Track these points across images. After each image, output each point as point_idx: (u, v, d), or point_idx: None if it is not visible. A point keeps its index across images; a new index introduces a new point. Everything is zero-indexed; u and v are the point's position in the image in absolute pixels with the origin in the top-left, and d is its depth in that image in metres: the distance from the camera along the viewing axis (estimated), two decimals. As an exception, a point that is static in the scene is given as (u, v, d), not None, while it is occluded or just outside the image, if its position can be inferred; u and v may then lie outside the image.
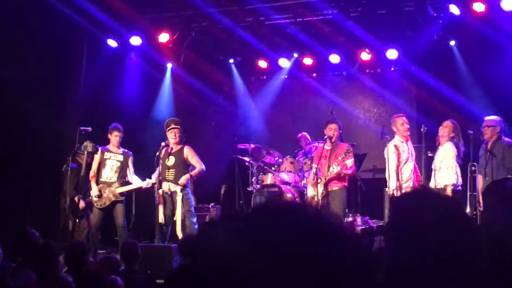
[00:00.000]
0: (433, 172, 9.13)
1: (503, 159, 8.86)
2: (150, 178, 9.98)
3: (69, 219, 9.96)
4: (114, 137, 10.09)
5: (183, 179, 9.75)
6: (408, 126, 9.50)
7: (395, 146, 9.29)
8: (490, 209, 2.27)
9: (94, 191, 9.89)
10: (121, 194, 10.00)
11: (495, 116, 9.24)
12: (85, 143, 9.82)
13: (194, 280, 1.32)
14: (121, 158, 10.14)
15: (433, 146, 9.37)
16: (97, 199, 9.86)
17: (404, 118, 9.63)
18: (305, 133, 12.62)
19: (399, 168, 9.23)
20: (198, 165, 9.99)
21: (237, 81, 14.20)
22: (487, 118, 9.24)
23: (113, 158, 10.09)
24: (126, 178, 10.16)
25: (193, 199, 10.25)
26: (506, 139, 9.08)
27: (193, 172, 9.98)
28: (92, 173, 9.98)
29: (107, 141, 10.15)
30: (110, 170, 10.05)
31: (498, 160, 8.86)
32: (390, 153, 9.33)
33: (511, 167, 8.72)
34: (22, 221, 10.23)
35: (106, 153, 10.09)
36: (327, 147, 9.85)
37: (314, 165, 9.89)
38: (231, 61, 13.52)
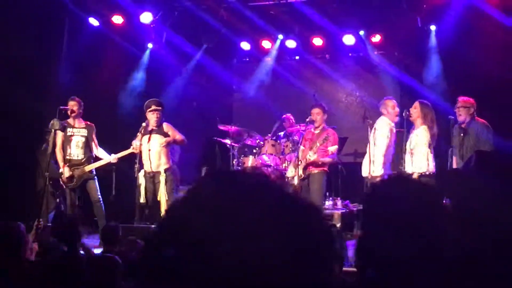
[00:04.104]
0: (406, 155, 8.87)
1: (478, 141, 8.64)
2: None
3: (43, 200, 9.74)
4: (71, 108, 9.78)
5: (164, 141, 9.60)
6: (398, 110, 9.10)
7: (390, 130, 9.02)
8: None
9: (66, 172, 9.71)
10: (91, 171, 9.90)
11: (469, 98, 8.99)
12: (52, 121, 9.54)
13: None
14: (85, 132, 9.88)
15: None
16: (67, 180, 9.73)
17: (395, 101, 9.30)
18: (289, 115, 12.59)
19: (387, 152, 9.00)
20: (180, 136, 9.83)
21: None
22: (461, 98, 8.98)
23: (77, 134, 9.83)
24: (93, 153, 9.99)
25: (177, 180, 10.11)
26: (480, 119, 8.87)
27: (177, 137, 9.77)
28: (58, 151, 9.71)
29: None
30: (76, 147, 9.79)
31: (473, 141, 8.66)
32: (382, 135, 9.03)
33: (486, 148, 8.41)
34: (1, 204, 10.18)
35: (68, 129, 9.80)
36: (314, 130, 9.76)
37: (301, 147, 9.86)
38: (205, 45, 13.41)
